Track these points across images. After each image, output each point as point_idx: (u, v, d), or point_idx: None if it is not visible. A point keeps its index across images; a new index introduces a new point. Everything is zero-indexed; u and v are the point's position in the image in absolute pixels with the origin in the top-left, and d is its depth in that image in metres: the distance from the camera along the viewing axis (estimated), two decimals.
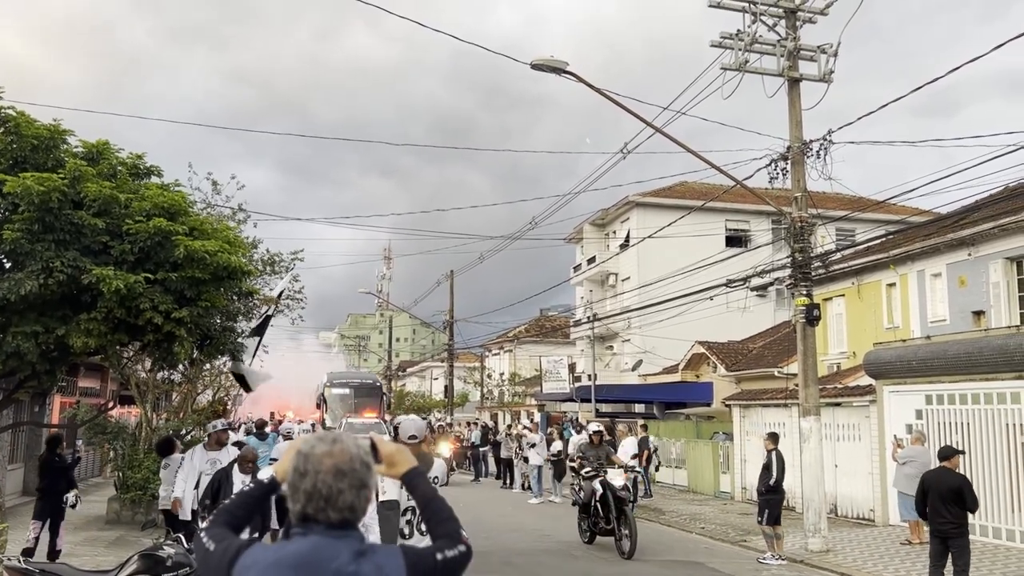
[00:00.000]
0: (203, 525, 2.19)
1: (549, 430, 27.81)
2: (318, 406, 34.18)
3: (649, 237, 26.84)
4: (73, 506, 10.49)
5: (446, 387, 41.15)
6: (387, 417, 35.19)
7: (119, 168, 8.54)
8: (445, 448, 23.62)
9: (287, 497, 2.08)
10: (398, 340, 78.51)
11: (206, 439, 10.04)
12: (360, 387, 34.88)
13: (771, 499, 12.49)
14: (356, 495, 2.03)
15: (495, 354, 54.33)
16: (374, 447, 2.26)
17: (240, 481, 7.64)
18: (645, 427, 24.69)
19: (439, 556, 2.07)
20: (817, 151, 13.99)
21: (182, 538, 7.45)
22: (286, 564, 1.96)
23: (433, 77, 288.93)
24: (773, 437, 13.08)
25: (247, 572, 1.98)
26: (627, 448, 17.85)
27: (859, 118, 13.22)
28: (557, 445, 22.06)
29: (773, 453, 12.72)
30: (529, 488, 23.87)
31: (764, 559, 12.36)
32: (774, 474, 12.47)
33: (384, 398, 35.52)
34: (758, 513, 12.80)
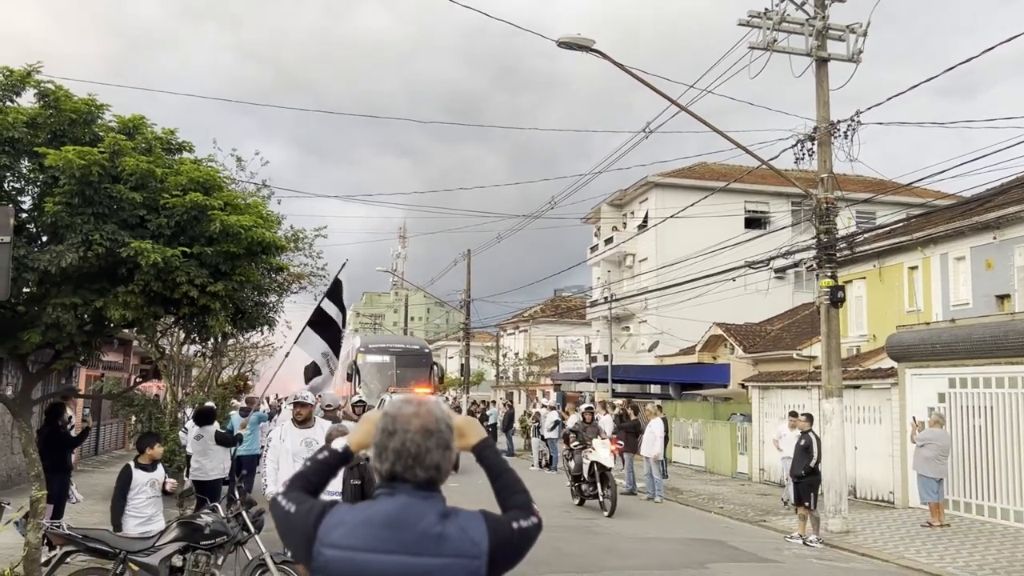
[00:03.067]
0: (280, 490, 2.25)
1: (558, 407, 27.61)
2: (349, 378, 27.31)
3: (668, 218, 26.78)
4: (76, 501, 10.23)
5: (462, 366, 41.11)
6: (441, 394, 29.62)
7: (154, 143, 8.59)
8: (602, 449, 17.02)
9: (374, 458, 2.12)
10: (413, 319, 78.76)
11: (288, 414, 8.71)
12: (403, 354, 27.91)
13: (814, 481, 12.51)
14: (442, 455, 2.09)
15: (510, 334, 54.46)
16: None
17: None
18: (660, 407, 24.67)
19: (515, 525, 2.12)
20: (844, 132, 13.91)
21: (219, 507, 7.58)
22: (376, 523, 2.02)
23: (445, 56, 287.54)
24: (809, 418, 13.08)
25: (334, 531, 2.03)
26: (655, 430, 17.53)
27: (888, 98, 13.11)
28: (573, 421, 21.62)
29: (811, 435, 12.71)
30: (547, 466, 24.03)
31: (811, 541, 12.33)
32: (815, 455, 12.47)
33: (435, 369, 28.37)
34: (801, 497, 12.48)
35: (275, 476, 7.87)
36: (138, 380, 15.40)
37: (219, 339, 12.09)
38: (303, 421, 8.16)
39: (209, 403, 13.23)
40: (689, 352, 31.75)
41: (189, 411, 15.46)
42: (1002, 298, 17.65)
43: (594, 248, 42.39)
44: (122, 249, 7.51)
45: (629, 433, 18.65)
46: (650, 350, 35.68)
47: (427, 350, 29.71)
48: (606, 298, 33.21)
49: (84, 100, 7.98)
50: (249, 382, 22.82)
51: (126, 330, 10.29)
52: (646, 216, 36.88)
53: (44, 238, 8.04)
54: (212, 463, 11.49)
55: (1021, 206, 16.61)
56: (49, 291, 7.64)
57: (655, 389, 33.22)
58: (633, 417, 19.08)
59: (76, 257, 7.31)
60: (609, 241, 40.17)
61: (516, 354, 48.76)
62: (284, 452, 7.96)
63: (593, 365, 33.76)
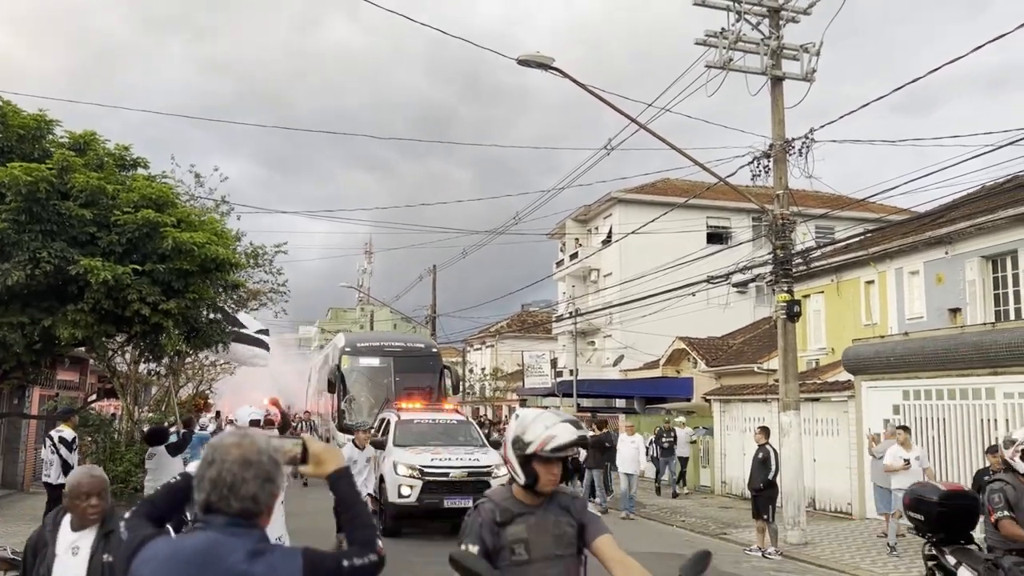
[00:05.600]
0: (126, 515, 2.22)
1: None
2: (330, 388, 20.91)
3: (631, 233, 27.02)
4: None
5: None
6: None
7: (106, 159, 8.51)
8: None
9: (195, 488, 2.09)
10: None
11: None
12: (404, 356, 21.42)
13: (772, 493, 12.64)
14: (260, 486, 2.06)
15: (477, 349, 54.41)
16: (304, 447, 2.30)
17: None
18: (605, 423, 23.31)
19: (345, 563, 2.06)
20: (799, 149, 14.17)
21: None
22: (181, 558, 1.98)
23: (412, 70, 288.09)
24: (765, 431, 13.21)
25: (146, 565, 2.01)
26: (638, 445, 17.46)
27: (841, 116, 13.44)
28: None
29: (769, 447, 12.85)
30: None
31: (769, 553, 12.44)
32: (773, 468, 12.61)
33: (447, 374, 21.91)
34: (760, 510, 12.61)
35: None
36: (89, 400, 15.08)
37: (174, 357, 11.95)
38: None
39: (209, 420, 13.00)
40: (653, 366, 31.96)
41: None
42: (954, 311, 18.04)
43: (559, 263, 42.58)
44: (72, 267, 7.44)
45: (595, 449, 18.36)
46: (615, 364, 35.85)
47: (435, 350, 23.00)
48: (571, 313, 33.35)
49: (33, 116, 7.90)
50: (209, 400, 22.55)
51: (77, 349, 10.13)
52: (610, 231, 37.16)
53: None
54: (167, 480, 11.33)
55: (971, 221, 17.03)
56: None
57: (620, 403, 33.35)
58: (599, 432, 18.94)
59: (23, 275, 7.22)
60: (574, 256, 40.39)
61: (482, 369, 48.70)
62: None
63: (558, 380, 33.82)
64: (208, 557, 1.95)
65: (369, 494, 9.93)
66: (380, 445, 13.68)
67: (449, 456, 13.50)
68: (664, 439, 20.61)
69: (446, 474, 13.10)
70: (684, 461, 21.33)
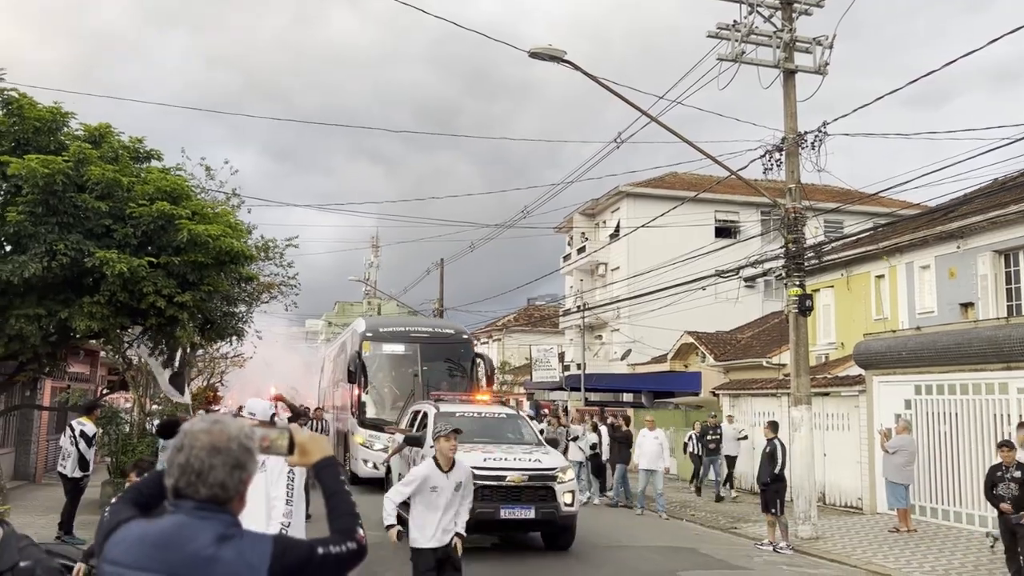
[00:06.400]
0: (113, 500, 2.27)
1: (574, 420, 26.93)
2: (351, 378, 18.99)
3: (639, 227, 26.97)
4: None
5: None
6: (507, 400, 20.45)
7: (120, 152, 8.52)
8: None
9: (166, 474, 2.10)
10: None
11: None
12: (432, 342, 19.61)
13: (780, 487, 12.64)
14: (228, 473, 2.06)
15: (484, 343, 54.45)
16: (291, 437, 2.33)
17: None
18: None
19: (319, 550, 2.06)
20: (811, 143, 14.11)
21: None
22: (148, 541, 2.01)
23: (416, 63, 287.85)
24: (773, 426, 13.20)
25: (116, 546, 2.05)
26: (662, 441, 16.54)
27: (854, 110, 13.30)
28: (592, 438, 18.57)
29: (776, 441, 12.85)
30: None
31: (781, 547, 12.44)
32: (780, 462, 12.61)
33: (479, 363, 20.11)
34: (768, 504, 12.65)
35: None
36: (104, 392, 15.15)
37: (187, 350, 11.99)
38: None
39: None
40: (661, 360, 31.93)
41: (157, 422, 15.27)
42: (966, 306, 17.97)
43: (567, 257, 42.54)
44: (87, 259, 7.46)
45: (622, 444, 18.22)
46: (623, 358, 35.84)
47: (465, 336, 21.00)
48: (579, 307, 33.34)
49: (49, 108, 7.91)
50: (219, 393, 22.59)
51: (92, 341, 10.17)
52: (618, 225, 37.12)
53: (7, 248, 7.94)
54: None
55: (983, 216, 16.95)
56: (12, 302, 7.55)
57: (628, 397, 33.36)
58: (627, 427, 18.90)
59: (40, 267, 7.25)
60: (582, 250, 40.35)
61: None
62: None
63: (566, 374, 33.82)
64: (175, 539, 1.97)
65: (458, 533, 6.67)
66: (416, 441, 12.00)
67: (504, 456, 11.26)
68: (709, 437, 18.77)
69: (502, 478, 10.86)
70: (732, 460, 19.24)
